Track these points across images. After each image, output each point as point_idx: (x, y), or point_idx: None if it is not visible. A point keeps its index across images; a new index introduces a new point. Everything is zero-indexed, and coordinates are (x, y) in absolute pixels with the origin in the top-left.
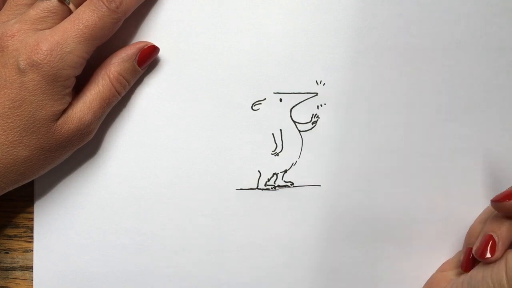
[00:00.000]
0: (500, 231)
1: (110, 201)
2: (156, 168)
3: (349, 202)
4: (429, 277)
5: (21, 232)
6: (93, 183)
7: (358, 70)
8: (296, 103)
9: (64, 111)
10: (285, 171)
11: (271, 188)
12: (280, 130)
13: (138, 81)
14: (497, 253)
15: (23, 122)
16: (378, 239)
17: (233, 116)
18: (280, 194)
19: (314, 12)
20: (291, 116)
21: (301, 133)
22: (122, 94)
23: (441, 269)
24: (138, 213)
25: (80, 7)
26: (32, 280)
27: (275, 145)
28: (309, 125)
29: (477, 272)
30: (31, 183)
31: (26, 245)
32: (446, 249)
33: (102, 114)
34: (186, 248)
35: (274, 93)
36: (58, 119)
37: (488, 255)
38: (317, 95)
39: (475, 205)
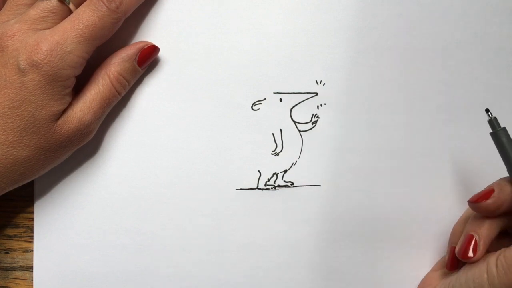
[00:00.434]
0: (481, 231)
1: (110, 201)
2: (156, 168)
3: (349, 202)
4: None
5: (21, 232)
6: (93, 183)
7: (358, 70)
8: (296, 103)
9: (64, 111)
10: (285, 171)
11: (271, 188)
12: (280, 130)
13: (138, 81)
14: (479, 253)
15: (23, 122)
16: (378, 239)
17: (233, 116)
18: (280, 194)
19: (314, 12)
20: (291, 116)
21: (301, 133)
22: (122, 94)
23: (434, 268)
24: (138, 213)
25: (80, 7)
26: (32, 280)
27: (275, 145)
28: (309, 125)
29: (462, 274)
30: (31, 183)
31: (26, 245)
32: (446, 249)
33: (102, 114)
34: (186, 248)
35: (274, 93)
36: (58, 119)
37: (471, 254)
38: (317, 95)
39: None
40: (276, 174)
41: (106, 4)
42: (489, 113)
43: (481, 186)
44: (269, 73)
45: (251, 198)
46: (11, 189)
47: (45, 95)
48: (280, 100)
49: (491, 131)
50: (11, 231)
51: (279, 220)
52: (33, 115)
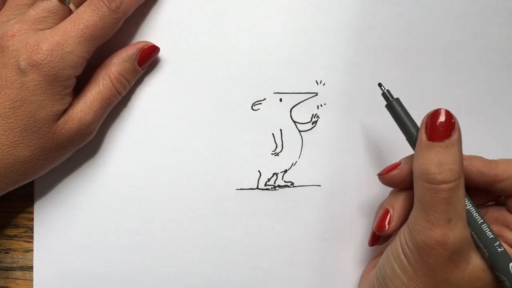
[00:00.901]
0: (395, 204)
1: (110, 201)
2: (156, 168)
3: (349, 202)
4: None
5: (21, 232)
6: (93, 183)
7: (358, 70)
8: (296, 103)
9: (65, 111)
10: (285, 171)
11: (271, 188)
12: (280, 130)
13: (138, 81)
14: (392, 224)
15: (24, 122)
16: None
17: (233, 116)
18: (280, 194)
19: (314, 12)
20: (291, 116)
21: (301, 133)
22: (123, 94)
23: (373, 256)
24: (138, 213)
25: (81, 7)
26: (32, 280)
27: (275, 145)
28: (309, 125)
29: (386, 249)
30: (31, 183)
31: (26, 245)
32: None
33: (102, 114)
34: (186, 248)
35: (274, 93)
36: (58, 119)
37: (386, 227)
38: (317, 95)
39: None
40: (276, 174)
41: (107, 4)
42: (382, 86)
43: None
44: (269, 73)
45: (251, 198)
46: (11, 189)
47: (45, 95)
48: (280, 100)
49: (491, 130)
50: (11, 231)
51: (279, 220)
52: (33, 115)
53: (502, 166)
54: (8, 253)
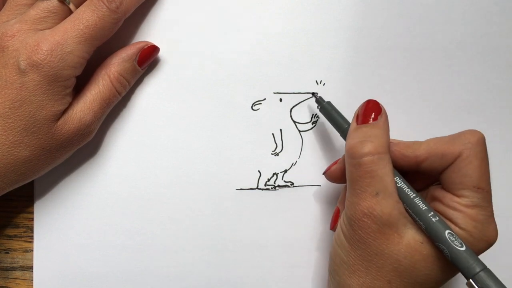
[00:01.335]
0: (341, 203)
1: (110, 201)
2: (156, 168)
3: None
4: None
5: (21, 232)
6: (93, 183)
7: (358, 70)
8: (296, 103)
9: (65, 111)
10: (285, 171)
11: (271, 188)
12: (280, 130)
13: (138, 81)
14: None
15: (24, 123)
16: None
17: (233, 116)
18: (280, 194)
19: (314, 12)
20: (291, 116)
21: (301, 133)
22: (123, 94)
23: None
24: (138, 213)
25: (80, 7)
26: (32, 280)
27: (275, 145)
28: (309, 125)
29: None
30: (31, 183)
31: (26, 245)
32: None
33: (102, 114)
34: (186, 248)
35: (274, 93)
36: (58, 119)
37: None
38: None
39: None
40: (276, 174)
41: (106, 4)
42: (315, 94)
43: None
44: (269, 73)
45: (251, 198)
46: (11, 189)
47: (45, 96)
48: (280, 100)
49: (491, 130)
50: (11, 231)
51: (279, 220)
52: (33, 115)
53: (423, 147)
54: (8, 253)
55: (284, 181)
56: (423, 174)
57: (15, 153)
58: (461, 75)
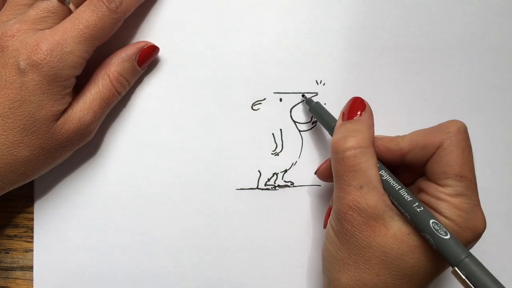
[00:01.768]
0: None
1: (110, 201)
2: (156, 168)
3: None
4: None
5: (21, 232)
6: (93, 183)
7: (358, 70)
8: (296, 103)
9: (64, 111)
10: (285, 171)
11: (271, 188)
12: (280, 130)
13: (138, 81)
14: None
15: (23, 122)
16: None
17: (233, 116)
18: (280, 194)
19: (314, 12)
20: (291, 116)
21: (301, 133)
22: (122, 94)
23: None
24: (138, 213)
25: (80, 7)
26: (32, 280)
27: (275, 145)
28: (309, 125)
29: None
30: (31, 183)
31: (26, 245)
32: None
33: (102, 114)
34: (186, 248)
35: (274, 93)
36: (58, 119)
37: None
38: (317, 95)
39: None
40: (276, 174)
41: (106, 4)
42: (304, 96)
43: (481, 185)
44: (269, 73)
45: (251, 198)
46: (11, 189)
47: (45, 95)
48: (280, 100)
49: (491, 130)
50: (11, 231)
51: (279, 220)
52: (33, 115)
53: (406, 139)
54: (8, 253)
55: (284, 181)
56: (410, 167)
57: (14, 153)
58: (461, 75)
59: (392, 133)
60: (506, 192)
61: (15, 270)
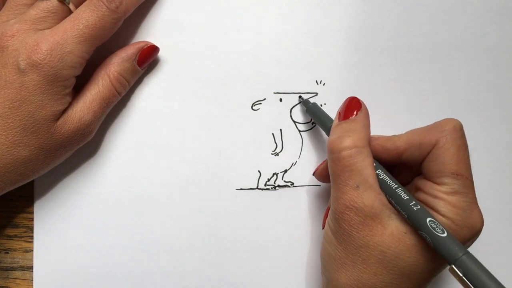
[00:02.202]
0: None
1: (110, 201)
2: (156, 168)
3: None
4: None
5: (21, 232)
6: (93, 183)
7: (358, 70)
8: (296, 103)
9: (64, 111)
10: (285, 171)
11: (271, 188)
12: (280, 130)
13: (138, 81)
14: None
15: (23, 122)
16: None
17: (233, 116)
18: (280, 194)
19: (314, 12)
20: (291, 116)
21: (301, 133)
22: (122, 94)
23: None
24: (138, 213)
25: (80, 7)
26: (32, 280)
27: (275, 145)
28: (309, 125)
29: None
30: (31, 183)
31: (26, 245)
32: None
33: (102, 114)
34: (186, 248)
35: (274, 93)
36: (58, 119)
37: None
38: (317, 95)
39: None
40: (276, 174)
41: (106, 4)
42: (300, 97)
43: (481, 185)
44: (269, 73)
45: (251, 198)
46: (10, 189)
47: (45, 95)
48: (280, 100)
49: (491, 130)
50: (11, 231)
51: (279, 220)
52: (33, 115)
53: (402, 138)
54: (8, 253)
55: (284, 181)
56: (407, 166)
57: (14, 153)
58: (461, 75)
59: (392, 133)
60: (505, 191)
61: (15, 270)
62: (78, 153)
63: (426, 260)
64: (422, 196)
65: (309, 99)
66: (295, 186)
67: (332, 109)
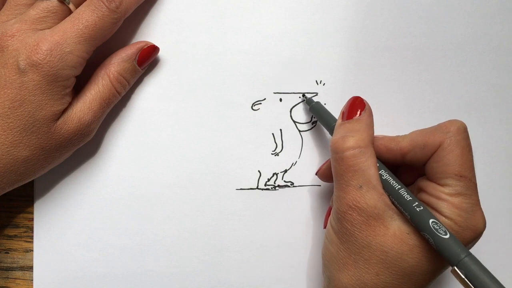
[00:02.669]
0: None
1: (110, 201)
2: (156, 168)
3: None
4: None
5: (21, 232)
6: (93, 183)
7: (358, 70)
8: (296, 103)
9: (64, 111)
10: (285, 171)
11: (271, 188)
12: (280, 130)
13: (138, 81)
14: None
15: (23, 122)
16: None
17: (233, 116)
18: (280, 194)
19: (314, 12)
20: (291, 116)
21: (301, 133)
22: (122, 94)
23: None
24: (138, 213)
25: (80, 7)
26: (32, 280)
27: (275, 145)
28: (309, 125)
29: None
30: (31, 183)
31: (26, 245)
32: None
33: (102, 114)
34: (186, 248)
35: (274, 93)
36: (58, 119)
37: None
38: (317, 95)
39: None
40: (276, 174)
41: (106, 4)
42: (304, 96)
43: (481, 186)
44: (269, 73)
45: (251, 198)
46: (10, 189)
47: (45, 95)
48: (280, 100)
49: (491, 130)
50: (11, 231)
51: (279, 220)
52: (33, 115)
53: (406, 139)
54: (8, 253)
55: (284, 181)
56: (410, 167)
57: (14, 153)
58: (461, 75)
59: (392, 133)
60: (506, 192)
61: (15, 270)
62: (78, 153)
63: (428, 261)
64: (425, 197)
65: (312, 98)
66: (295, 186)
67: (332, 109)
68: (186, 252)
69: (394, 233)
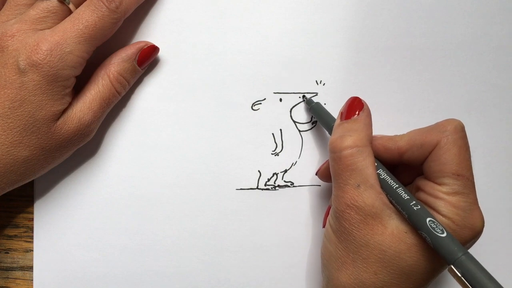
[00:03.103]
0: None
1: (110, 201)
2: (156, 168)
3: None
4: None
5: (21, 232)
6: (93, 183)
7: (358, 70)
8: (296, 103)
9: (64, 111)
10: (285, 171)
11: (271, 188)
12: (280, 130)
13: (138, 81)
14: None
15: (23, 122)
16: None
17: (233, 116)
18: (280, 194)
19: (314, 12)
20: (291, 116)
21: (301, 133)
22: (122, 94)
23: None
24: (138, 213)
25: (80, 7)
26: (32, 280)
27: (275, 145)
28: (309, 125)
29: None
30: (31, 183)
31: (26, 245)
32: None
33: (102, 114)
34: (186, 248)
35: (274, 93)
36: (58, 119)
37: None
38: (317, 95)
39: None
40: (276, 174)
41: (106, 4)
42: (304, 96)
43: (481, 186)
44: (269, 73)
45: (251, 198)
46: (10, 189)
47: (45, 95)
48: (280, 100)
49: (491, 130)
50: (11, 231)
51: (279, 220)
52: (33, 115)
53: (404, 138)
54: (8, 253)
55: (284, 181)
56: (408, 166)
57: (14, 153)
58: (461, 75)
59: (392, 133)
60: (505, 192)
61: (15, 270)
62: (78, 153)
63: (426, 260)
64: (423, 196)
65: (312, 98)
66: (295, 186)
67: (332, 109)
68: (186, 252)
69: (392, 232)
